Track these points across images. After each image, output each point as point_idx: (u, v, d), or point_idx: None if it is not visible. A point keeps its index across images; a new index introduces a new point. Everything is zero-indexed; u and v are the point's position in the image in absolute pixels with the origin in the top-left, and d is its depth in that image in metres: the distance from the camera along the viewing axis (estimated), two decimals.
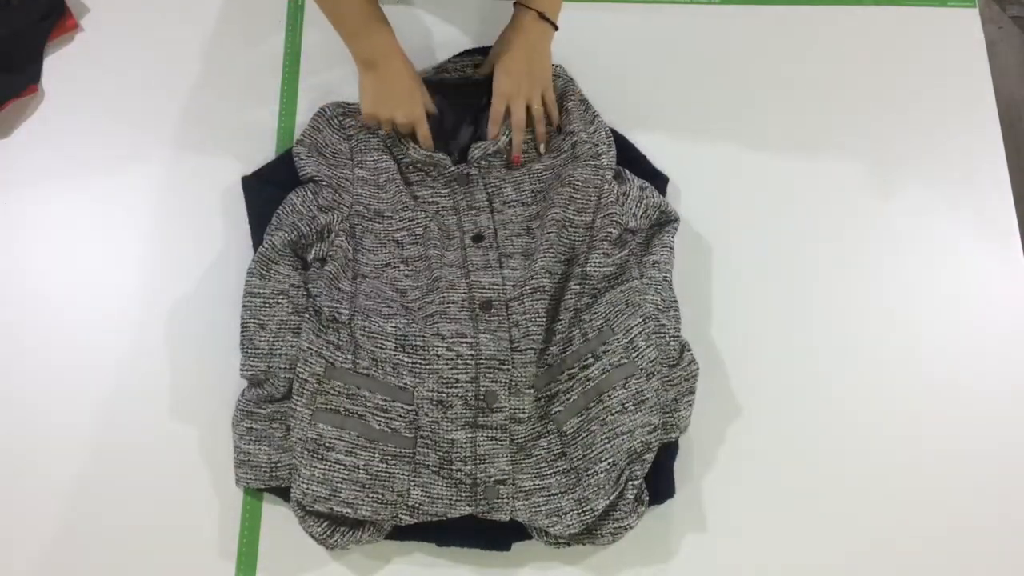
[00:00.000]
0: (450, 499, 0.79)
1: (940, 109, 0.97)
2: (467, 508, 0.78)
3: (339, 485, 0.77)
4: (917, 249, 0.92)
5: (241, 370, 0.82)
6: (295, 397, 0.80)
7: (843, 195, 0.94)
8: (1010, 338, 0.89)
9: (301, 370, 0.80)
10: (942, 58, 0.99)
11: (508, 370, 0.81)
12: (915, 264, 0.91)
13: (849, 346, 0.88)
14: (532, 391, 0.81)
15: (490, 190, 0.88)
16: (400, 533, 0.80)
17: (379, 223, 0.86)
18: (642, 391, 0.79)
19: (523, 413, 0.80)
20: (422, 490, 0.79)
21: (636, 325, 0.82)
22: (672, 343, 0.83)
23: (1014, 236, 0.93)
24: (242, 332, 0.83)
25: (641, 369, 0.80)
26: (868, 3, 1.01)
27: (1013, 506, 0.84)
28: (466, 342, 0.81)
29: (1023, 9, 1.58)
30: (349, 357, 0.81)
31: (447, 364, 0.81)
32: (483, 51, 0.93)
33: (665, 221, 0.88)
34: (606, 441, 0.78)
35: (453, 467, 0.79)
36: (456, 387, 0.81)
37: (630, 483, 0.78)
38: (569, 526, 0.77)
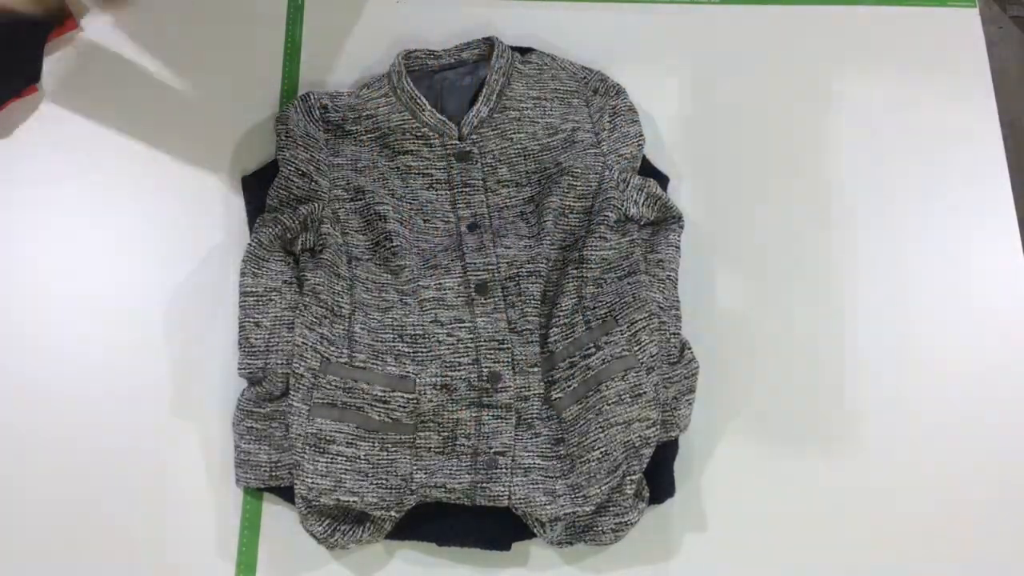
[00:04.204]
0: (450, 469, 0.79)
1: (940, 109, 0.97)
2: (467, 476, 0.79)
3: (343, 476, 0.78)
4: (917, 249, 0.92)
5: (239, 369, 0.83)
6: (292, 393, 0.80)
7: (842, 195, 0.94)
8: (1011, 338, 0.89)
9: (296, 365, 0.80)
10: (942, 58, 0.99)
11: (508, 349, 0.81)
12: (915, 264, 0.91)
13: (849, 346, 0.88)
14: (537, 369, 0.81)
15: (486, 169, 0.88)
16: (400, 533, 0.80)
17: (360, 199, 0.86)
18: (640, 384, 0.80)
19: (529, 391, 0.81)
20: (424, 472, 0.79)
21: (641, 319, 0.82)
22: (673, 340, 0.83)
23: (1014, 236, 0.93)
24: (239, 331, 0.83)
25: (641, 363, 0.81)
26: (868, 3, 1.01)
27: (1014, 504, 0.84)
28: (464, 327, 0.82)
29: (1023, 9, 1.59)
30: (344, 352, 0.81)
31: (449, 349, 0.82)
32: (480, 42, 0.93)
33: (669, 218, 0.88)
34: (600, 431, 0.79)
35: (457, 442, 0.80)
36: (459, 370, 0.81)
37: (628, 478, 0.78)
38: (563, 506, 0.77)
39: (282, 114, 0.90)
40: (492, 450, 0.80)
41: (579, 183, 0.87)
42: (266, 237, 0.84)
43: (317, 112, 0.90)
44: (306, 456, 0.78)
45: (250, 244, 0.84)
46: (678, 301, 0.85)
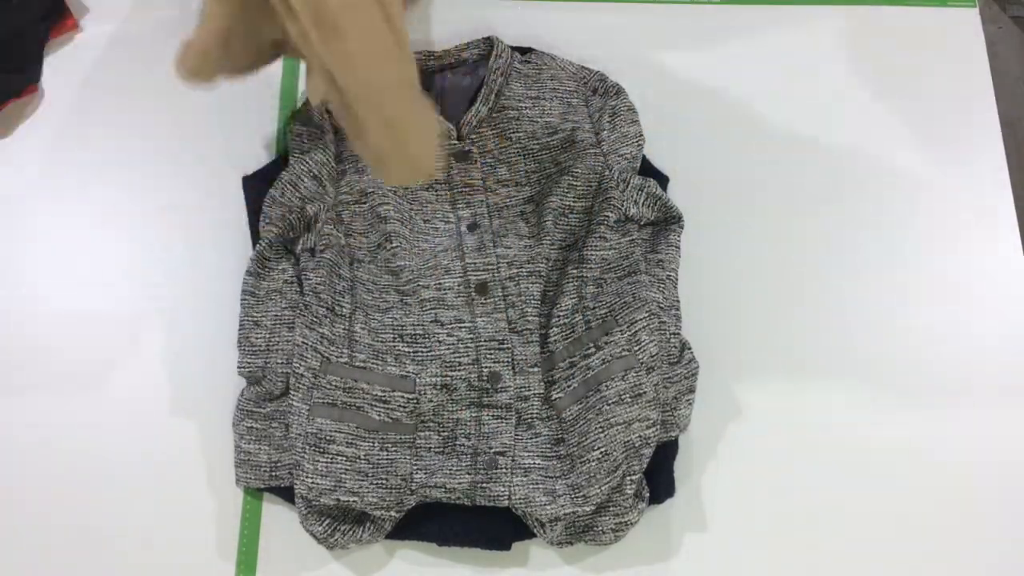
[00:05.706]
0: (450, 469, 0.79)
1: (940, 109, 0.97)
2: (467, 476, 0.79)
3: (343, 476, 0.78)
4: (916, 249, 0.92)
5: (239, 368, 0.83)
6: (292, 393, 0.80)
7: (842, 195, 0.94)
8: (1011, 338, 0.89)
9: (297, 365, 0.80)
10: (942, 58, 0.99)
11: (508, 349, 0.81)
12: (914, 263, 0.91)
13: (849, 345, 0.88)
14: (537, 369, 0.81)
15: (485, 169, 0.88)
16: (400, 533, 0.80)
17: (364, 203, 0.86)
18: (640, 384, 0.80)
19: (529, 391, 0.81)
20: (424, 472, 0.79)
21: (641, 319, 0.82)
22: (673, 340, 0.83)
23: (1014, 236, 0.93)
24: (239, 331, 0.83)
25: (641, 363, 0.81)
26: (868, 3, 1.01)
27: (1014, 505, 0.84)
28: (464, 327, 0.82)
29: (1023, 9, 1.59)
30: (344, 351, 0.81)
31: (449, 349, 0.82)
32: (480, 42, 0.93)
33: (669, 218, 0.88)
34: (600, 431, 0.79)
35: (457, 442, 0.80)
36: (459, 370, 0.81)
37: (628, 478, 0.78)
38: (563, 506, 0.77)
39: (300, 113, 0.90)
40: (492, 450, 0.80)
41: (579, 183, 0.87)
42: (275, 237, 0.84)
43: (325, 113, 0.90)
44: (306, 456, 0.78)
45: (259, 244, 0.84)
46: (678, 301, 0.85)
